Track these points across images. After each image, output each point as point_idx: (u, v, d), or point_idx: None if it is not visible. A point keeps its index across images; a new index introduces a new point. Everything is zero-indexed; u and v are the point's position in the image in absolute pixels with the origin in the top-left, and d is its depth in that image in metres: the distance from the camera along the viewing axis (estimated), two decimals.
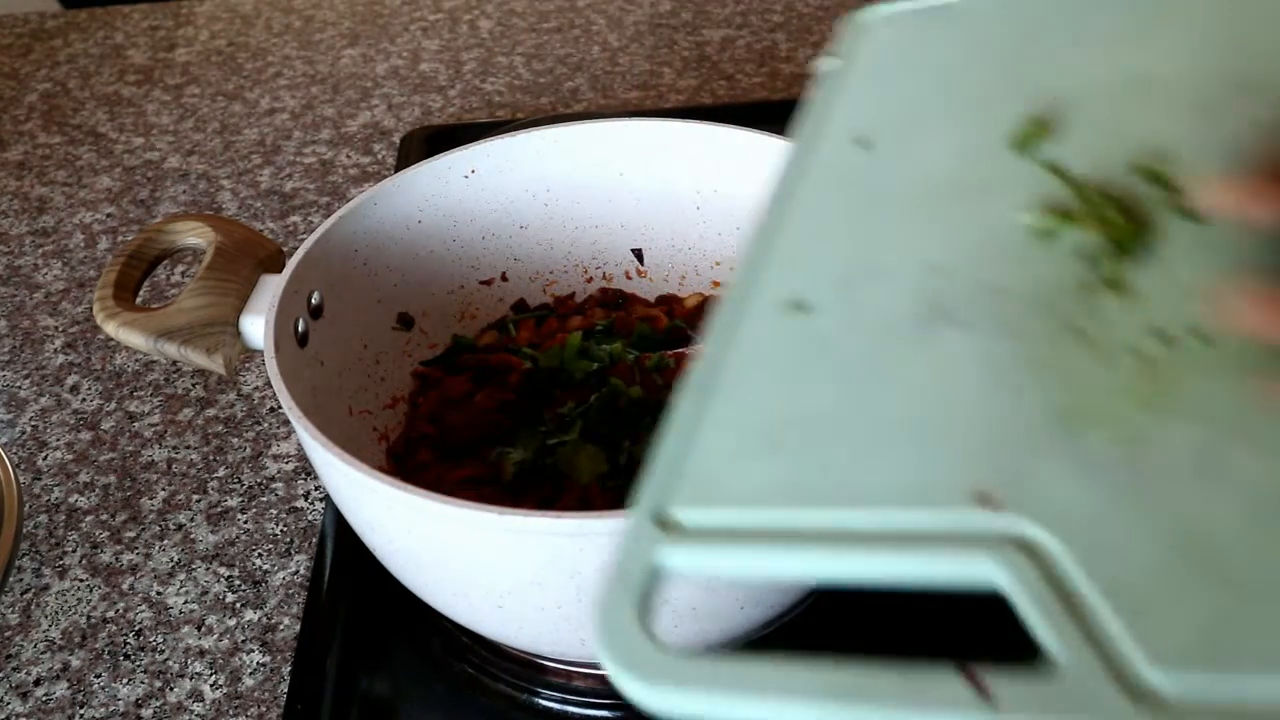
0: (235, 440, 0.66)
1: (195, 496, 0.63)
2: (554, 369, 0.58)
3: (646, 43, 1.08)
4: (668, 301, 0.64)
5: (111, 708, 0.52)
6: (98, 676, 0.54)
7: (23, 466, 0.65)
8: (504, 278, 0.64)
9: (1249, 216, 0.30)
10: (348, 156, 0.94)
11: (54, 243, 0.86)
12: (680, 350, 0.59)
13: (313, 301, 0.53)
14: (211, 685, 0.53)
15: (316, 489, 0.63)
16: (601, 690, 0.51)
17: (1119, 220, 0.31)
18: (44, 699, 0.53)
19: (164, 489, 0.63)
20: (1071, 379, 0.28)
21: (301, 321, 0.52)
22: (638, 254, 0.64)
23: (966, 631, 0.53)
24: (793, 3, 1.13)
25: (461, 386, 0.59)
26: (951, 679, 0.22)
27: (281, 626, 0.55)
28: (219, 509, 0.62)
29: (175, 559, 0.59)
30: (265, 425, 0.67)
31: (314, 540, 0.60)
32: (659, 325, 0.62)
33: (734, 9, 1.13)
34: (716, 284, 0.64)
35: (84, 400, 0.70)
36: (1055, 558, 0.24)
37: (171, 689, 0.53)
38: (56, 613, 0.57)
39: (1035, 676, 0.22)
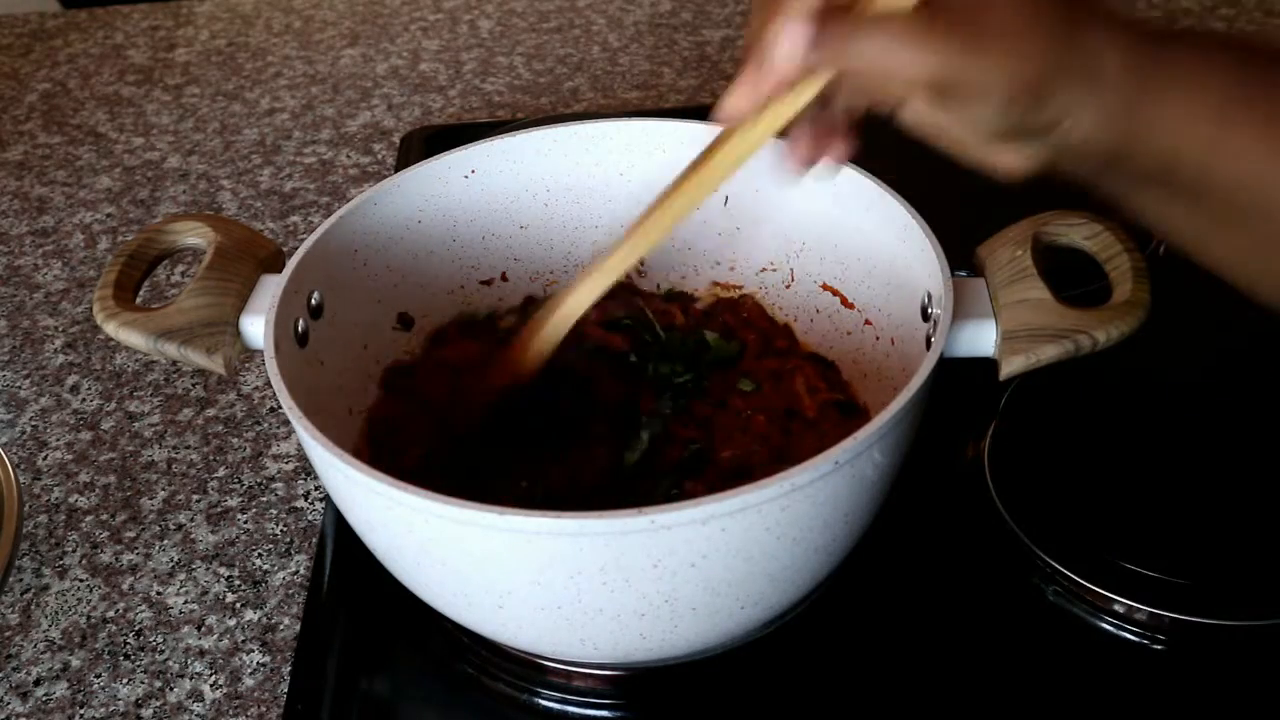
0: (235, 440, 0.66)
1: (195, 496, 0.63)
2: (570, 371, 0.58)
3: (646, 43, 1.08)
4: (679, 299, 0.64)
5: (111, 708, 0.52)
6: (98, 676, 0.54)
7: (23, 466, 0.65)
8: (504, 278, 0.63)
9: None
10: (348, 156, 0.94)
11: (54, 243, 0.86)
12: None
13: (313, 301, 0.53)
14: (211, 685, 0.53)
15: (316, 489, 0.63)
16: (601, 690, 0.51)
17: None
18: (44, 699, 0.53)
19: (164, 489, 0.63)
20: None
21: (301, 321, 0.52)
22: None
23: (959, 630, 0.53)
24: None
25: (472, 351, 0.60)
26: None
27: (281, 626, 0.55)
28: (219, 509, 0.62)
29: (175, 559, 0.59)
30: (265, 425, 0.67)
31: (314, 540, 0.60)
32: (678, 323, 0.62)
33: (734, 9, 1.13)
34: (716, 284, 0.64)
35: (84, 400, 0.70)
36: None
37: (171, 689, 0.53)
38: (56, 613, 0.57)
39: None
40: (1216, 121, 0.39)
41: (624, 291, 0.64)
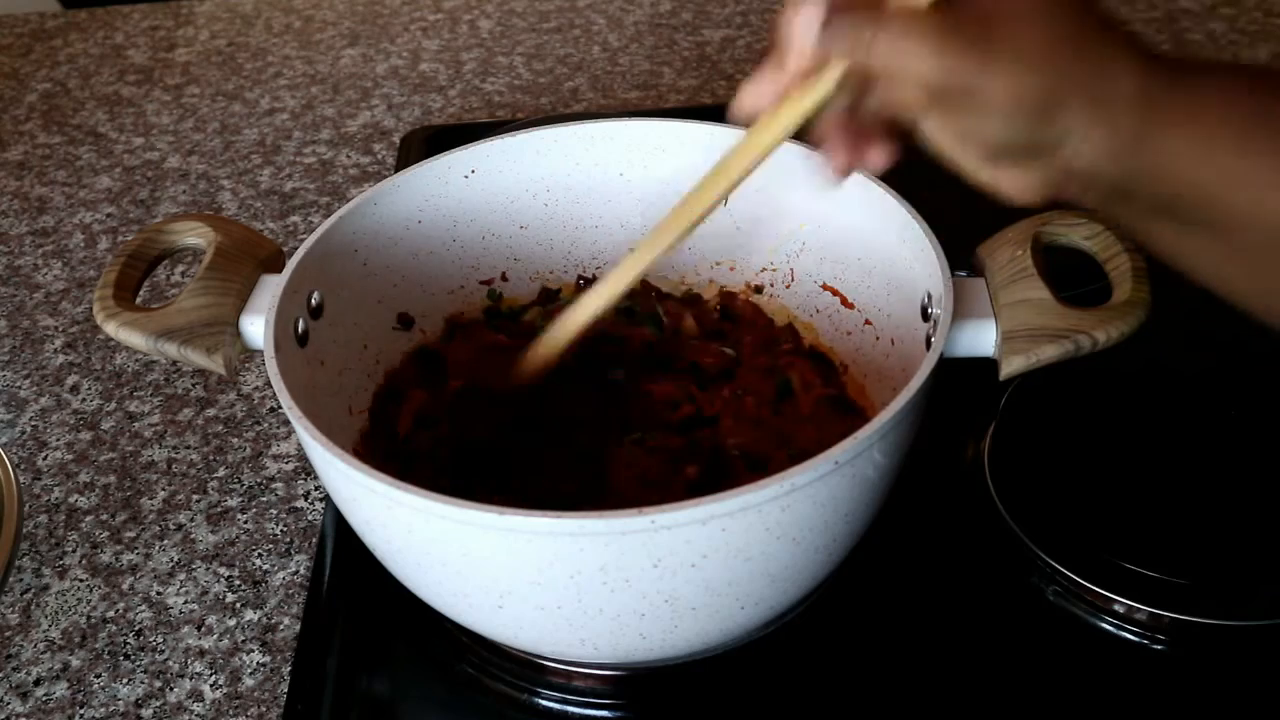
0: (235, 440, 0.66)
1: (195, 496, 0.63)
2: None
3: (646, 43, 1.08)
4: (694, 302, 0.64)
5: (111, 708, 0.52)
6: (98, 676, 0.54)
7: (23, 466, 0.65)
8: (504, 278, 0.63)
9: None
10: (348, 156, 0.94)
11: (54, 243, 0.86)
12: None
13: (313, 301, 0.53)
14: (211, 685, 0.53)
15: (316, 489, 0.63)
16: (601, 690, 0.51)
17: None
18: (44, 699, 0.53)
19: (164, 489, 0.63)
20: None
21: (301, 321, 0.52)
22: None
23: (959, 630, 0.53)
24: None
25: (496, 341, 0.61)
26: None
27: (281, 626, 0.55)
28: (219, 509, 0.62)
29: (175, 559, 0.59)
30: (265, 425, 0.67)
31: (314, 540, 0.60)
32: (684, 327, 0.62)
33: (734, 9, 1.13)
34: (714, 284, 0.64)
35: (84, 400, 0.70)
36: None
37: (171, 689, 0.53)
38: (56, 613, 0.57)
39: None
40: (1236, 152, 0.38)
41: (644, 292, 0.64)
